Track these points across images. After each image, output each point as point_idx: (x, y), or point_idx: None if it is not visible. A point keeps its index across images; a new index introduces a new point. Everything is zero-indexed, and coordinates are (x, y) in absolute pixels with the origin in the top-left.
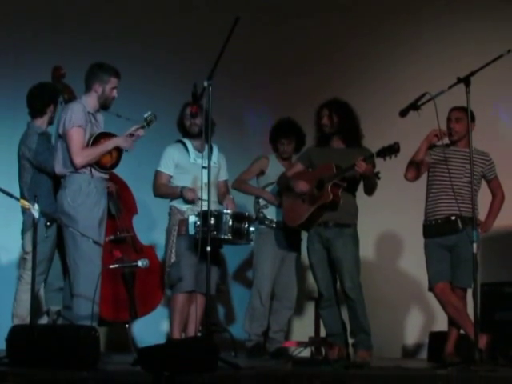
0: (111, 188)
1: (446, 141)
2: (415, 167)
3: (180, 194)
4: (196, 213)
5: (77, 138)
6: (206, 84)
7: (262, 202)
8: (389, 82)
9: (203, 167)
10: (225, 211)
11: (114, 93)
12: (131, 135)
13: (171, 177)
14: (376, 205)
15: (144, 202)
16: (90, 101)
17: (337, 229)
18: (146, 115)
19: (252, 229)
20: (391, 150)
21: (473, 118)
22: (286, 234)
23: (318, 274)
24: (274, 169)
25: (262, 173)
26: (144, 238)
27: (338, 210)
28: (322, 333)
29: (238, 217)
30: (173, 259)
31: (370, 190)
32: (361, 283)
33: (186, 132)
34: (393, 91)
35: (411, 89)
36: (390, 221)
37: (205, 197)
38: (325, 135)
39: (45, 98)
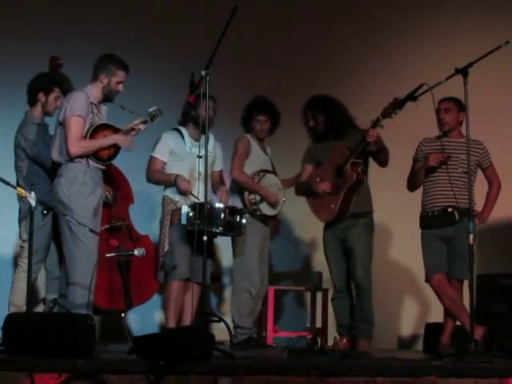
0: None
1: (437, 132)
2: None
3: (174, 182)
4: (189, 203)
5: (75, 127)
6: (203, 73)
7: (257, 196)
8: (386, 72)
9: (198, 156)
10: (217, 205)
11: (120, 87)
12: (132, 129)
13: (165, 163)
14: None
15: (141, 193)
16: (94, 91)
17: (351, 219)
18: (150, 110)
19: (244, 221)
20: (394, 107)
21: (463, 108)
22: (264, 225)
23: (331, 266)
24: (255, 152)
25: (246, 156)
26: (141, 228)
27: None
28: (318, 323)
29: (232, 210)
30: (166, 248)
31: (384, 161)
32: (371, 274)
33: (188, 119)
34: (390, 81)
35: (409, 80)
36: (385, 212)
37: (200, 186)
38: (318, 133)
39: (37, 86)
